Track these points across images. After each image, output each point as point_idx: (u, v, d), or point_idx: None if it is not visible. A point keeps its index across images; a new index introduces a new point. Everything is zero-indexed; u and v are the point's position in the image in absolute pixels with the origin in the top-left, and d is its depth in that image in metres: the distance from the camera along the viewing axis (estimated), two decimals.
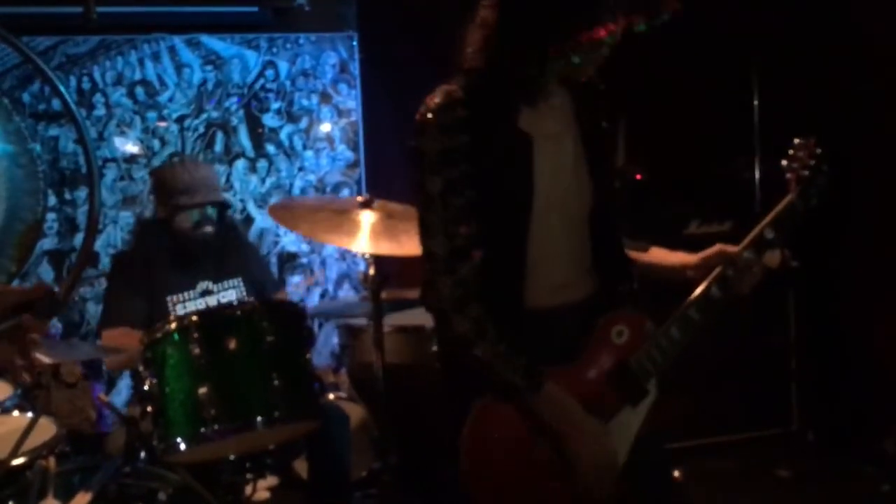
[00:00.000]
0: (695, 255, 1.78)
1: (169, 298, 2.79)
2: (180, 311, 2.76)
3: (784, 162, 1.75)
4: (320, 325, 3.86)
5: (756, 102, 3.75)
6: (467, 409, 1.59)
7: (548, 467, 1.60)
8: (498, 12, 1.55)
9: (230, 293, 2.86)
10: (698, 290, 1.72)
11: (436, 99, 1.57)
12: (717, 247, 1.75)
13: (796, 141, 1.75)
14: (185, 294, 2.80)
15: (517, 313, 1.61)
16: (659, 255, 1.83)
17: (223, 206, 2.93)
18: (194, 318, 2.19)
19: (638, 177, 3.78)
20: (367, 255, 2.59)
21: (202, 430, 2.11)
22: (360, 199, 2.66)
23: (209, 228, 2.81)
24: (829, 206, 3.74)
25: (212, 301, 2.80)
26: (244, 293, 2.88)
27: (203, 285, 2.82)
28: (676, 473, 3.57)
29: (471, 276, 1.55)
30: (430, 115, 1.56)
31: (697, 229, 3.70)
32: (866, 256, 3.71)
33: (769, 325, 3.77)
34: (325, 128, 3.89)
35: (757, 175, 3.73)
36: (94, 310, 3.59)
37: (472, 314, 1.55)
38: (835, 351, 3.77)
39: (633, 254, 1.83)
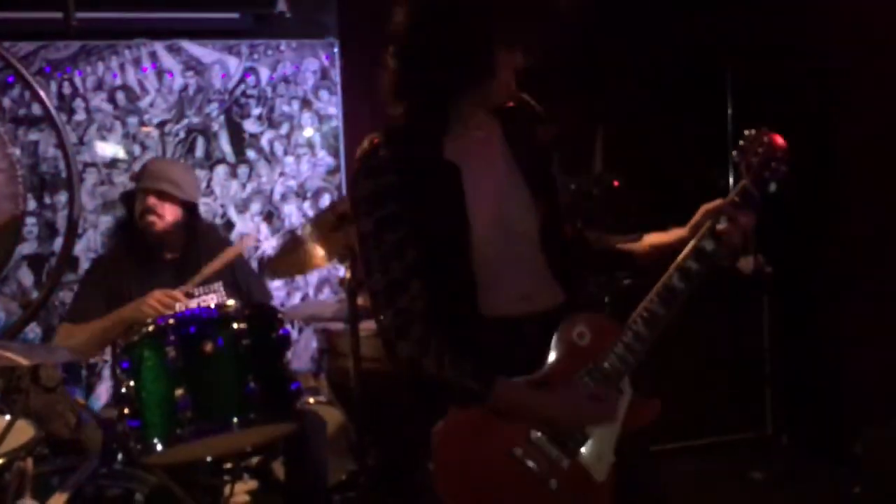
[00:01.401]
0: (685, 228, 1.77)
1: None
2: None
3: (734, 153, 1.78)
4: (301, 330, 3.88)
5: (730, 111, 3.81)
6: (437, 415, 1.61)
7: (523, 474, 1.61)
8: (398, 62, 1.64)
9: (211, 297, 2.87)
10: (665, 276, 1.72)
11: (361, 148, 1.66)
12: (702, 208, 1.74)
13: (746, 132, 1.77)
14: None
15: (476, 324, 1.65)
16: (654, 238, 1.85)
17: (190, 209, 2.91)
18: (171, 321, 2.21)
19: (615, 184, 3.83)
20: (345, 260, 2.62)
21: (178, 431, 2.13)
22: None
23: (153, 219, 2.80)
24: (803, 212, 3.82)
25: (193, 305, 2.81)
26: (224, 298, 2.89)
27: (184, 289, 2.82)
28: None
29: (411, 304, 1.61)
30: (357, 164, 1.66)
31: None
32: (839, 262, 3.77)
33: (744, 330, 3.82)
34: (306, 134, 3.92)
35: (731, 182, 3.78)
36: None
37: (415, 335, 1.60)
38: (808, 355, 3.83)
39: (630, 245, 1.85)
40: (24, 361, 2.17)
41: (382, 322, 1.62)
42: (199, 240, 2.97)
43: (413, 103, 1.65)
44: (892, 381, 3.36)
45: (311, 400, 3.26)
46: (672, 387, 3.64)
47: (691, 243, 1.71)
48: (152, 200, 2.80)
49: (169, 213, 2.84)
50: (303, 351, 3.85)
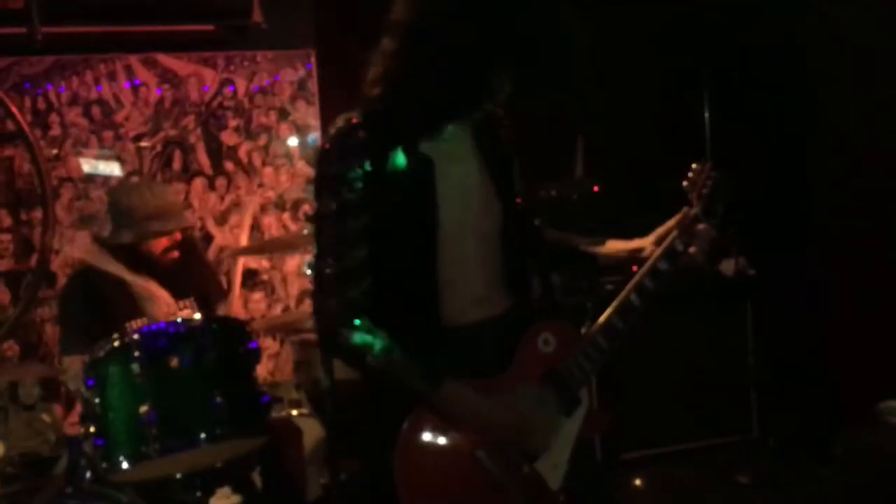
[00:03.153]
0: (647, 238, 1.81)
1: (128, 325, 2.76)
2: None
3: (685, 183, 1.80)
4: (282, 342, 3.85)
5: (707, 115, 3.80)
6: (397, 426, 1.59)
7: (480, 481, 1.60)
8: (402, 50, 1.59)
9: (186, 312, 2.85)
10: (624, 291, 1.73)
11: (336, 126, 1.60)
12: (664, 226, 1.79)
13: (694, 166, 1.80)
14: (142, 321, 2.77)
15: (434, 330, 1.63)
16: (616, 245, 1.87)
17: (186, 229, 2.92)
18: (136, 336, 2.18)
19: (595, 189, 3.82)
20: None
21: (143, 448, 2.11)
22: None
23: (176, 253, 2.81)
24: (786, 215, 3.81)
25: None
26: (194, 312, 2.87)
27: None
28: (638, 482, 3.60)
29: (360, 299, 1.57)
30: (329, 141, 1.59)
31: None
32: (822, 265, 3.75)
33: (728, 332, 3.80)
34: (285, 144, 3.90)
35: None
36: (51, 331, 3.57)
37: (360, 327, 1.56)
38: (792, 357, 3.81)
39: (592, 248, 1.86)
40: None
41: (326, 309, 1.57)
42: (191, 250, 2.97)
43: (398, 95, 1.59)
44: (875, 383, 3.34)
45: (294, 412, 3.24)
46: (656, 391, 3.65)
47: (648, 263, 1.74)
48: (178, 236, 2.80)
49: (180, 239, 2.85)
50: (284, 363, 3.83)
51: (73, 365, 2.68)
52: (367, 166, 1.56)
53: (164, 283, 2.84)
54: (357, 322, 1.55)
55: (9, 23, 3.22)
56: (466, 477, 1.60)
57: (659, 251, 1.74)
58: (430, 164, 1.62)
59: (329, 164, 1.58)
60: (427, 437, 1.59)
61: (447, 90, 1.57)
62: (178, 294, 2.85)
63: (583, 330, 1.76)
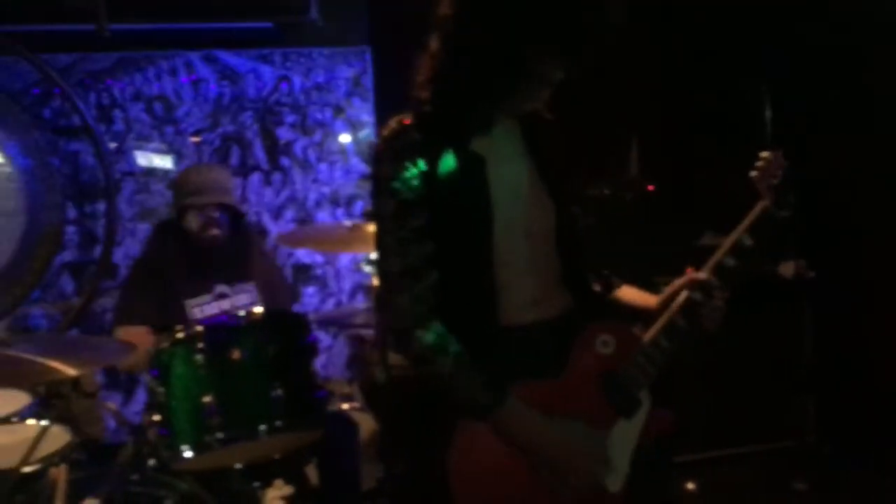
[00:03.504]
0: (657, 298, 1.78)
1: (186, 302, 2.83)
2: (197, 314, 2.80)
3: (753, 173, 1.75)
4: (335, 336, 3.89)
5: (768, 114, 3.73)
6: (453, 426, 1.59)
7: (536, 484, 1.60)
8: (441, 52, 1.60)
9: (243, 297, 2.90)
10: (681, 297, 1.72)
11: (389, 127, 1.63)
12: (684, 278, 1.74)
13: (763, 154, 1.76)
14: (202, 298, 2.84)
15: (492, 332, 1.62)
16: (627, 295, 1.84)
17: (235, 213, 2.97)
18: (199, 328, 2.23)
19: (650, 188, 3.78)
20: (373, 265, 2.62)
21: (206, 438, 2.15)
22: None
23: (215, 231, 2.84)
24: (846, 215, 3.72)
25: (226, 304, 2.83)
26: (256, 298, 2.92)
27: (219, 289, 2.85)
28: (691, 486, 3.56)
29: (428, 294, 1.57)
30: (382, 143, 1.62)
31: (711, 241, 3.68)
32: (883, 266, 3.66)
33: (785, 336, 3.73)
34: (340, 141, 3.94)
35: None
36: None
37: (436, 329, 1.56)
38: (851, 362, 3.73)
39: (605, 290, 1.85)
40: (67, 371, 2.21)
41: (397, 308, 1.57)
42: (247, 238, 3.02)
43: (447, 95, 1.61)
44: None
45: (346, 406, 3.27)
46: (712, 394, 3.60)
47: (714, 258, 1.71)
48: (215, 213, 2.83)
49: (226, 222, 2.89)
50: (337, 357, 3.87)
51: (120, 336, 2.77)
52: (422, 166, 1.58)
53: (219, 268, 2.88)
54: (432, 324, 1.56)
55: (76, 19, 3.31)
56: (522, 479, 1.59)
57: (722, 250, 1.71)
58: (482, 162, 1.62)
59: (384, 165, 1.60)
60: (484, 437, 1.58)
61: (493, 78, 1.57)
62: (234, 279, 2.89)
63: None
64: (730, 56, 3.78)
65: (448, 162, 1.60)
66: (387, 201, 1.59)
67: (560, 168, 1.74)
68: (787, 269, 3.57)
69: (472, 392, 1.55)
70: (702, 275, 1.71)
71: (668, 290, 1.76)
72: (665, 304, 1.73)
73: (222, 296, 2.83)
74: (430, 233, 1.58)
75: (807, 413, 3.71)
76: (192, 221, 2.82)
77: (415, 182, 1.58)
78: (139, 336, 2.70)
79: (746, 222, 1.72)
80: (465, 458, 1.58)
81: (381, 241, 1.62)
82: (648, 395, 1.70)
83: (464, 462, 1.58)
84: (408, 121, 1.61)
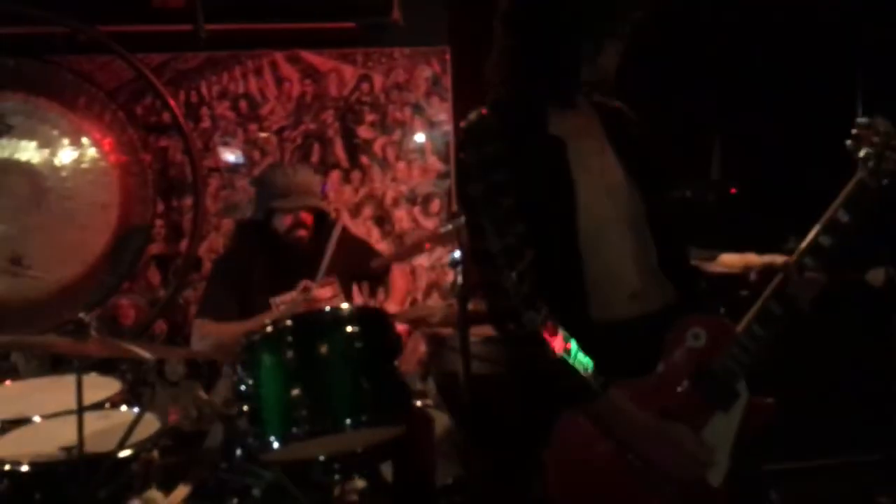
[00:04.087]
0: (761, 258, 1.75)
1: (272, 300, 2.90)
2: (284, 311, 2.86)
3: (848, 142, 1.68)
4: (409, 333, 3.93)
5: (860, 115, 3.62)
6: (549, 421, 1.60)
7: (636, 479, 1.58)
8: (507, 34, 1.65)
9: (327, 290, 2.95)
10: (774, 282, 1.67)
11: (467, 118, 1.67)
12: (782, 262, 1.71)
13: (859, 120, 1.68)
14: (287, 294, 2.90)
15: (584, 324, 1.61)
16: (729, 259, 1.81)
17: (321, 214, 3.01)
18: (288, 322, 2.28)
19: (733, 191, 3.71)
20: (456, 265, 2.63)
21: (294, 430, 2.20)
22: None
23: (303, 233, 2.89)
24: None
25: (310, 298, 2.88)
26: (339, 291, 2.96)
27: (303, 283, 2.89)
28: (774, 496, 3.48)
29: (531, 272, 1.56)
30: (463, 132, 1.66)
31: (795, 245, 3.59)
32: None
33: (871, 345, 3.62)
34: (418, 140, 3.98)
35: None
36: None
37: (544, 311, 1.55)
38: None
39: (701, 264, 1.82)
40: (147, 355, 2.30)
41: (505, 286, 1.55)
42: (327, 235, 3.07)
43: (521, 76, 1.65)
44: None
45: (419, 403, 3.30)
46: (795, 404, 3.49)
47: (762, 299, 1.65)
48: (304, 216, 2.89)
49: (311, 222, 2.94)
50: (410, 354, 3.90)
51: (201, 328, 2.85)
52: (503, 148, 1.60)
53: (303, 266, 2.93)
54: (540, 305, 1.55)
55: (169, 20, 3.42)
56: (622, 475, 1.58)
57: (820, 225, 1.65)
58: (562, 143, 1.64)
59: (467, 153, 1.63)
60: (583, 433, 1.58)
61: (559, 57, 1.60)
62: (312, 275, 2.94)
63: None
64: (818, 54, 3.69)
65: (528, 146, 1.62)
66: (475, 185, 1.61)
67: (643, 156, 1.74)
68: (877, 276, 3.46)
69: (582, 374, 1.54)
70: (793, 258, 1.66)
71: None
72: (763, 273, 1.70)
73: (306, 290, 2.88)
74: (519, 212, 1.59)
75: (892, 425, 3.60)
76: (280, 223, 2.88)
77: (500, 164, 1.60)
78: (217, 329, 2.79)
79: (842, 197, 1.65)
80: (565, 451, 1.58)
81: (475, 225, 1.62)
82: (745, 386, 1.66)
83: (563, 455, 1.58)
84: (485, 110, 1.65)
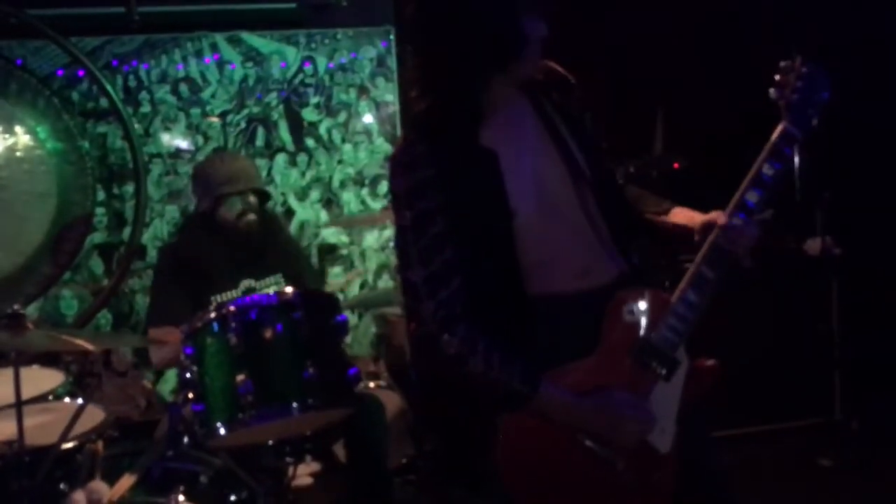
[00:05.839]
0: (703, 217, 1.72)
1: (213, 298, 2.86)
2: None
3: (771, 90, 1.66)
4: (360, 316, 3.93)
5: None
6: (492, 422, 1.60)
7: (587, 460, 1.60)
8: (421, 54, 1.62)
9: (271, 290, 2.92)
10: (705, 247, 1.66)
11: (398, 144, 1.67)
12: (712, 214, 1.69)
13: (782, 64, 1.66)
14: (229, 294, 2.87)
15: (524, 310, 1.63)
16: (679, 217, 1.77)
17: (264, 196, 2.99)
18: (231, 308, 2.26)
19: (676, 166, 3.76)
20: None
21: (240, 415, 2.18)
22: None
23: (252, 216, 2.87)
24: (873, 190, 3.68)
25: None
26: (284, 288, 2.93)
27: (245, 283, 2.89)
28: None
29: (453, 300, 1.58)
30: (392, 161, 1.65)
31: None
32: None
33: (812, 312, 3.72)
34: (364, 121, 3.95)
35: (797, 162, 3.68)
36: (142, 301, 3.71)
37: (461, 332, 1.57)
38: (878, 339, 3.71)
39: (656, 217, 1.79)
40: (91, 347, 2.26)
41: (423, 314, 1.58)
42: (272, 225, 3.06)
43: (442, 93, 1.61)
44: None
45: (371, 384, 3.30)
46: (738, 371, 3.59)
47: (694, 264, 1.64)
48: (252, 199, 2.87)
49: (258, 206, 2.92)
50: (362, 336, 3.90)
51: (154, 337, 2.79)
52: (432, 174, 1.59)
53: (248, 262, 2.91)
54: (457, 328, 1.57)
55: (108, 2, 3.34)
56: (574, 460, 1.60)
57: (702, 253, 1.64)
58: (494, 157, 1.62)
59: (397, 181, 1.63)
60: (528, 425, 1.59)
61: (482, 48, 1.56)
62: (261, 272, 2.92)
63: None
64: (758, 29, 3.74)
65: (458, 164, 1.61)
66: (404, 213, 1.61)
67: (580, 131, 1.72)
68: (814, 245, 3.55)
69: (508, 384, 1.56)
70: (723, 218, 1.65)
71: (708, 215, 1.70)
72: (704, 231, 1.68)
73: (249, 290, 2.86)
74: (449, 238, 1.59)
75: (833, 390, 3.70)
76: (228, 211, 2.84)
77: (429, 191, 1.59)
78: (170, 335, 2.74)
79: (767, 149, 1.65)
80: (514, 451, 1.59)
81: (403, 253, 1.63)
82: (685, 353, 1.67)
83: (512, 455, 1.59)
84: (410, 136, 1.64)
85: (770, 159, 1.64)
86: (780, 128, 1.65)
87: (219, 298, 2.84)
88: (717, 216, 1.67)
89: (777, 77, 1.66)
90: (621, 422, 1.60)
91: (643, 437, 1.62)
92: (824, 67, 1.64)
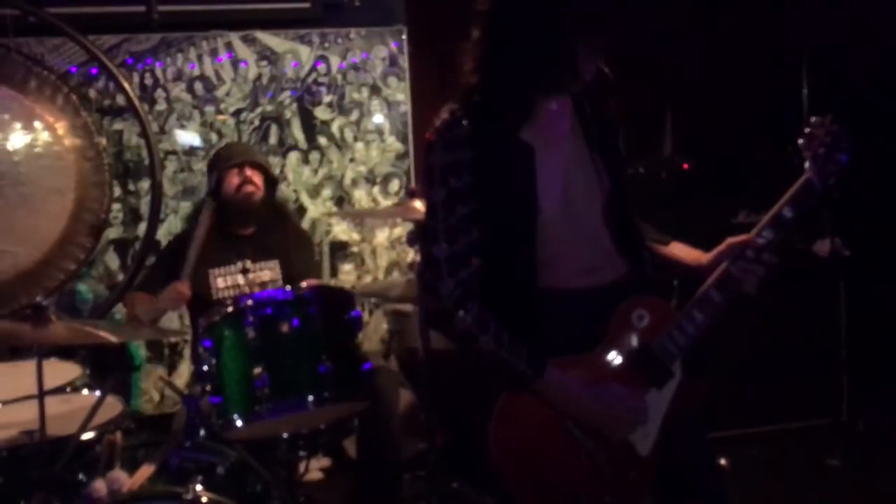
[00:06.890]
0: (707, 255, 1.81)
1: (210, 272, 2.98)
2: (220, 284, 2.99)
3: (800, 140, 1.75)
4: (371, 312, 3.96)
5: (805, 90, 3.72)
6: (493, 399, 1.65)
7: (573, 448, 1.67)
8: (487, 37, 1.65)
9: (266, 273, 3.02)
10: (718, 270, 1.75)
11: (440, 118, 1.68)
12: (727, 241, 1.77)
13: (812, 119, 1.75)
14: (226, 268, 2.99)
15: (535, 300, 1.68)
16: (677, 251, 1.87)
17: (271, 179, 3.12)
18: (250, 302, 2.30)
19: (685, 166, 3.79)
20: (415, 242, 2.68)
21: (256, 408, 2.23)
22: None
23: (250, 188, 3.00)
24: (882, 193, 3.70)
25: (248, 278, 2.97)
26: (278, 276, 3.02)
27: (241, 264, 3.01)
28: (723, 462, 3.59)
29: (471, 280, 1.64)
30: (435, 135, 1.67)
31: (746, 219, 3.69)
32: None
33: (820, 314, 3.74)
34: (376, 120, 3.99)
35: (806, 164, 3.70)
36: None
37: (474, 310, 1.63)
38: (886, 340, 3.73)
39: (656, 246, 1.88)
40: (113, 339, 2.30)
41: (441, 290, 1.63)
42: (280, 213, 3.17)
43: (494, 85, 1.65)
44: None
45: (382, 379, 3.34)
46: (747, 371, 3.63)
47: (705, 286, 1.73)
48: (248, 171, 3.02)
49: (260, 184, 3.06)
50: (373, 332, 3.94)
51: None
52: (472, 156, 1.64)
53: (246, 243, 3.02)
54: (471, 305, 1.63)
55: (121, 1, 3.38)
56: (559, 446, 1.67)
57: (762, 223, 1.73)
58: (530, 151, 1.67)
59: (435, 155, 1.66)
60: (522, 408, 1.66)
61: (533, 68, 1.61)
62: (259, 255, 3.02)
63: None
64: (767, 31, 3.77)
65: (497, 151, 1.65)
66: (438, 190, 1.65)
67: (610, 139, 1.78)
68: (823, 247, 3.58)
69: (515, 364, 1.62)
70: (741, 240, 1.74)
71: (716, 251, 1.78)
72: (714, 265, 1.76)
73: (245, 270, 2.96)
74: (477, 219, 1.64)
75: (841, 390, 3.72)
76: (228, 184, 2.99)
77: (465, 171, 1.63)
78: (140, 300, 2.94)
79: (788, 195, 1.73)
80: (505, 427, 1.65)
81: (429, 227, 1.68)
82: (681, 367, 1.74)
83: (504, 431, 1.65)
84: (457, 111, 1.66)
85: (791, 204, 1.72)
86: (804, 178, 1.73)
87: (216, 272, 2.96)
88: (731, 241, 1.75)
89: (807, 129, 1.74)
90: (616, 412, 1.67)
91: (634, 429, 1.69)
92: (849, 132, 1.72)
